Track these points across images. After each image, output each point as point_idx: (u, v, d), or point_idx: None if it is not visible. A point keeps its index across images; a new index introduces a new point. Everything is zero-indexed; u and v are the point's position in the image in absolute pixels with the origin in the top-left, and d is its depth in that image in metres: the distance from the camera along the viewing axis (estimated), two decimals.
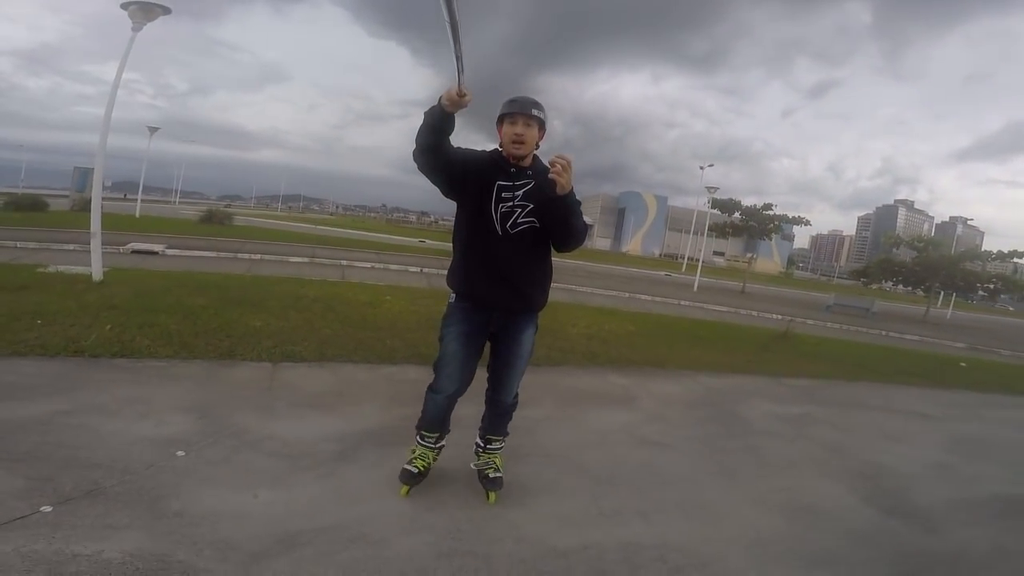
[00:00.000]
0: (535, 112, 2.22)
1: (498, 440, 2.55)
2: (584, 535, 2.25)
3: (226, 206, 40.80)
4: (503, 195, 2.23)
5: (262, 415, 3.04)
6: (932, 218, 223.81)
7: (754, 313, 15.09)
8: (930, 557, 2.56)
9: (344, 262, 13.63)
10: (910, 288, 26.34)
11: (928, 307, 24.93)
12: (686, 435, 3.70)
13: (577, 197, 2.24)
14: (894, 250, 27.18)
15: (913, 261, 24.48)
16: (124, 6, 6.96)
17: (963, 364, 9.82)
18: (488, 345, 2.44)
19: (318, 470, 2.51)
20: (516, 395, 2.51)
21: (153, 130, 22.41)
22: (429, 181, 2.20)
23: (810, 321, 15.59)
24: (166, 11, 7.16)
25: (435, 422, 2.44)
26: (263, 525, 2.03)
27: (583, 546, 2.17)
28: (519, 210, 2.24)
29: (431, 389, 2.42)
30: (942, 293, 29.82)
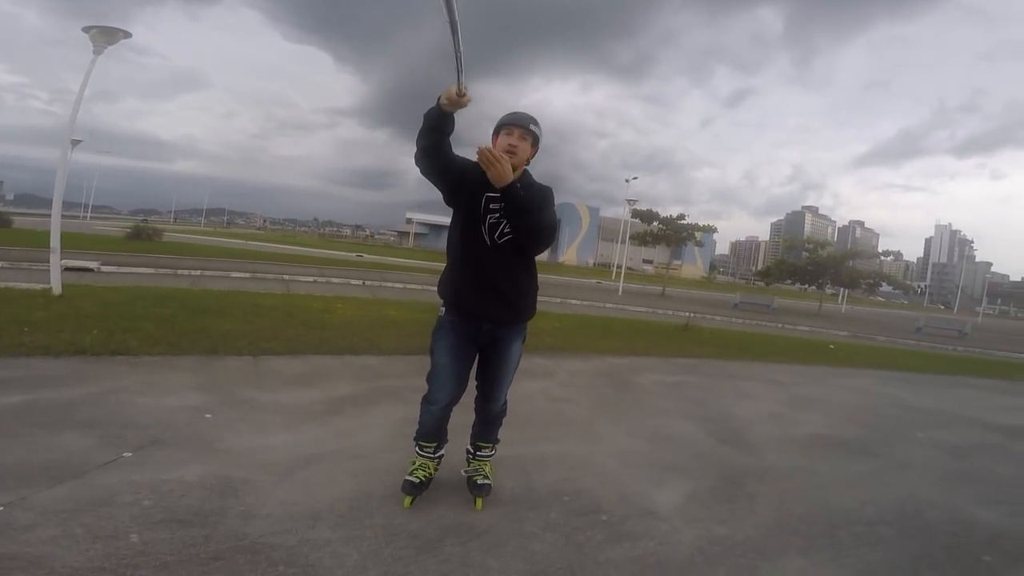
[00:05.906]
0: (532, 127, 2.30)
1: (487, 447, 2.66)
2: (511, 450, 3.22)
3: (143, 221, 38.82)
4: (491, 206, 2.26)
5: (260, 390, 3.88)
6: (835, 222, 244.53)
7: (669, 312, 16.82)
8: (744, 469, 3.45)
9: (286, 276, 14.05)
10: (805, 286, 29.71)
11: (821, 302, 28.23)
12: (587, 395, 4.87)
13: (540, 193, 2.30)
14: (804, 253, 30.44)
15: (805, 261, 27.73)
16: (86, 30, 7.21)
17: (831, 347, 11.73)
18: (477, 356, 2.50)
19: (316, 420, 3.41)
20: (505, 403, 2.61)
21: (76, 143, 21.39)
22: (433, 185, 2.28)
23: (718, 317, 17.59)
24: (127, 35, 7.48)
25: (431, 433, 2.53)
26: (288, 452, 2.89)
27: (511, 456, 3.16)
28: (505, 221, 2.28)
29: (425, 400, 2.47)
30: (842, 290, 33.66)
